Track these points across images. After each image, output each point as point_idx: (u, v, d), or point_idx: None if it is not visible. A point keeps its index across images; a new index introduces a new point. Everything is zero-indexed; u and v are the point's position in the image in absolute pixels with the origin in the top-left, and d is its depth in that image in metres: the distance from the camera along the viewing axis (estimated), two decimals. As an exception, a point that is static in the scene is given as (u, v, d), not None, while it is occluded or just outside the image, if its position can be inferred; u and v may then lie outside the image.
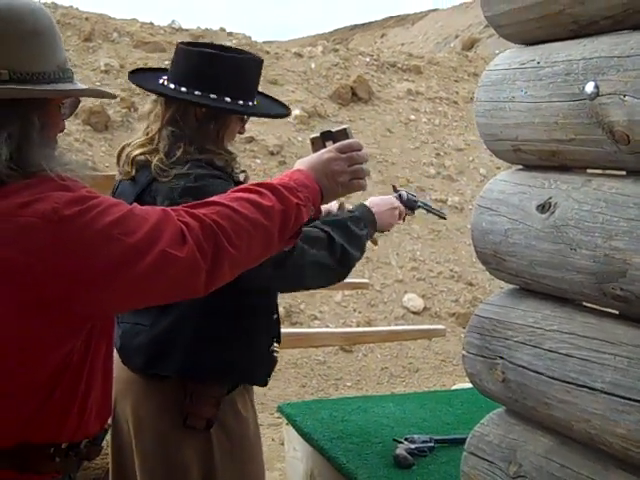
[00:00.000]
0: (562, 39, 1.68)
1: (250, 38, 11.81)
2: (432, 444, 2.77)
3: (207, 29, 12.01)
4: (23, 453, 1.54)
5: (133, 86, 7.25)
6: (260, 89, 2.38)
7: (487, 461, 1.85)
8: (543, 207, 1.67)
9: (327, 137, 1.91)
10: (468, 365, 1.92)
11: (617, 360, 1.49)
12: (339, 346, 7.19)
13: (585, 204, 1.57)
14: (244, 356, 2.29)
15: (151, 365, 2.25)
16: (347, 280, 5.69)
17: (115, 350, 2.25)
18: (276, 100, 2.53)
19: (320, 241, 2.17)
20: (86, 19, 10.93)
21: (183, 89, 2.22)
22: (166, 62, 9.75)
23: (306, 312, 7.92)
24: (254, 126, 9.68)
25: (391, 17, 32.81)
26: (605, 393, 1.50)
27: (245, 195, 1.62)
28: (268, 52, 11.35)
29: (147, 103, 2.37)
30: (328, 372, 7.23)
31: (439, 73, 12.54)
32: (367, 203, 2.45)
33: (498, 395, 1.83)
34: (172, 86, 2.24)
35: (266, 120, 9.99)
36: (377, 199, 2.50)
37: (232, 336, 2.27)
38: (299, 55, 11.58)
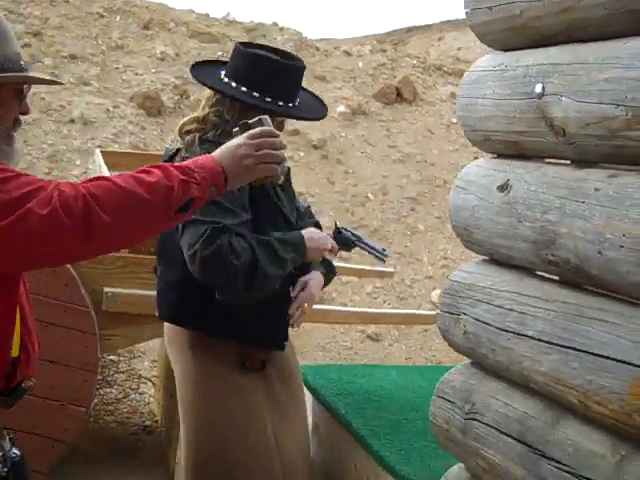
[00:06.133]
0: (528, 47, 2.01)
1: (301, 34, 12.16)
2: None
3: (260, 23, 12.39)
4: None
5: (187, 74, 7.63)
6: (307, 85, 2.70)
7: (449, 402, 2.18)
8: (502, 187, 2.00)
9: (245, 128, 2.01)
10: (440, 322, 2.25)
11: (546, 312, 1.82)
12: (357, 324, 7.42)
13: (532, 185, 1.90)
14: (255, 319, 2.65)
15: (175, 316, 2.69)
16: (373, 268, 5.82)
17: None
18: (318, 98, 2.85)
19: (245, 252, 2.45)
20: (146, 8, 11.41)
21: (233, 84, 2.60)
22: (219, 53, 10.19)
23: (337, 300, 8.23)
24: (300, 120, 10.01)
25: (449, 20, 32.81)
26: (534, 339, 1.83)
27: (133, 173, 1.79)
28: (318, 49, 11.71)
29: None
30: (354, 357, 7.54)
31: (485, 78, 12.76)
32: (304, 234, 2.66)
33: (461, 346, 2.16)
34: (226, 80, 2.62)
35: (311, 114, 10.33)
36: (315, 234, 2.71)
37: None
38: (348, 53, 11.92)
